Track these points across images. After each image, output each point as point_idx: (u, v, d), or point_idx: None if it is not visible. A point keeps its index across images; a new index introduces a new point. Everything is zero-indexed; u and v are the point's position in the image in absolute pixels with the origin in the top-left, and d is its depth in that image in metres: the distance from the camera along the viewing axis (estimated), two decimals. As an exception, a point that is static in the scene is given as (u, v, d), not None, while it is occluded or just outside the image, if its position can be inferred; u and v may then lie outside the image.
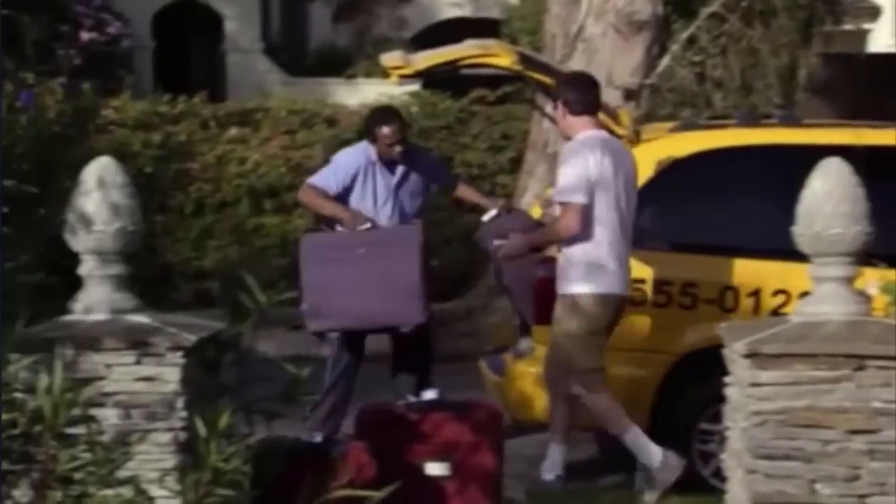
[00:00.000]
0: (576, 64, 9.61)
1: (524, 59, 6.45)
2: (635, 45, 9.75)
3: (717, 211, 6.42)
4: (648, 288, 6.19)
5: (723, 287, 6.20)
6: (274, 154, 12.32)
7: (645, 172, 6.32)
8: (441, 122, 12.87)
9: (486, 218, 6.26)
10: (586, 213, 5.80)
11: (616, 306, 5.91)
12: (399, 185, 6.35)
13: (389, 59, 6.46)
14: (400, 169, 6.36)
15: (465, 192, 6.78)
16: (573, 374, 5.92)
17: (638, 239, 6.26)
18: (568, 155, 5.92)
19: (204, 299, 11.95)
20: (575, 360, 5.90)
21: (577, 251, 5.85)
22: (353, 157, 6.40)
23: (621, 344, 6.17)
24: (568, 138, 6.03)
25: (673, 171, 6.37)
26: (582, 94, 6.00)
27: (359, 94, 14.65)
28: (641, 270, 6.18)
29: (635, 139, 6.51)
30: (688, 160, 6.39)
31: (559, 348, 5.92)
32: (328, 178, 6.35)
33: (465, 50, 6.40)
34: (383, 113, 6.54)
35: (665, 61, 10.12)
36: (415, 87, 15.52)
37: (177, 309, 11.61)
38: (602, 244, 5.84)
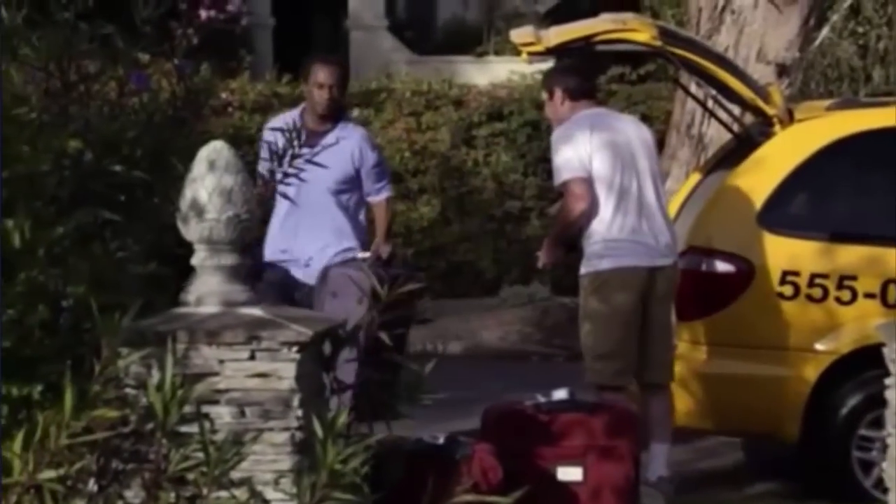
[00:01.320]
0: (723, 39, 9.47)
1: (665, 34, 6.39)
2: (790, 15, 9.58)
3: (879, 197, 6.30)
4: (803, 281, 6.10)
5: (886, 280, 6.07)
6: (398, 137, 12.40)
7: (800, 155, 6.23)
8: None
9: (359, 255, 5.94)
10: (588, 186, 5.79)
11: (644, 280, 5.79)
12: None
13: (519, 35, 6.48)
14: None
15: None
16: (586, 360, 5.88)
17: (792, 226, 6.19)
18: (556, 139, 5.94)
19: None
20: (590, 345, 5.86)
21: (592, 227, 5.86)
22: None
23: (770, 342, 6.10)
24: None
25: (830, 154, 6.27)
26: (583, 80, 6.07)
27: (489, 72, 14.65)
28: (795, 261, 6.10)
29: (787, 119, 6.41)
30: (847, 141, 6.27)
31: (584, 334, 5.90)
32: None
33: (600, 25, 6.37)
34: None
35: (824, 33, 9.92)
36: (549, 64, 15.51)
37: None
38: (616, 217, 5.83)
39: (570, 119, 6.01)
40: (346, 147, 6.11)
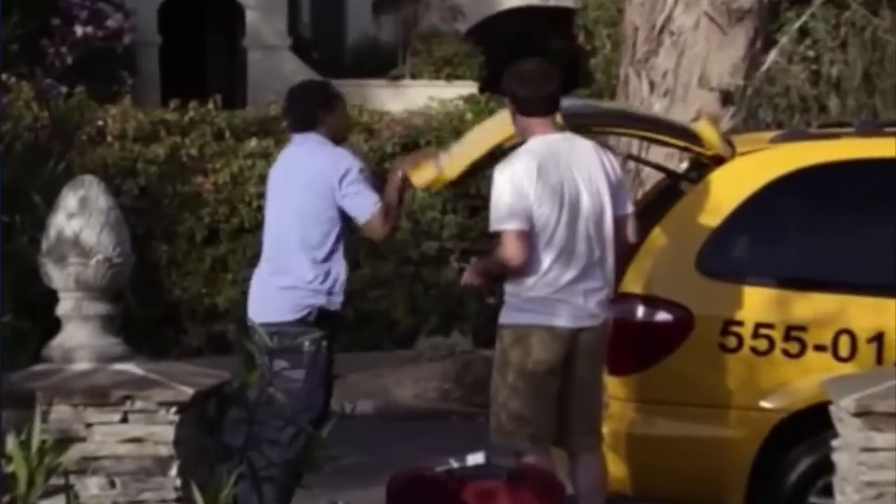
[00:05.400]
0: (662, 62, 9.61)
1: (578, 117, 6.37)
2: (735, 37, 9.75)
3: (829, 238, 6.39)
4: (746, 331, 6.16)
5: (838, 331, 6.15)
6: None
7: (742, 192, 6.31)
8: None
9: None
10: (526, 240, 5.79)
11: (569, 339, 5.89)
12: None
13: (419, 176, 6.42)
14: None
15: None
16: (496, 418, 5.91)
17: (734, 271, 6.26)
18: (498, 174, 5.87)
19: (218, 345, 12.06)
20: (500, 401, 5.89)
21: (519, 280, 5.87)
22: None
23: (711, 399, 6.14)
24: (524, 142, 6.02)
25: (776, 190, 6.35)
26: (534, 89, 5.92)
27: (405, 97, 14.78)
28: (738, 309, 6.16)
29: (729, 153, 6.49)
30: (794, 176, 6.36)
31: (495, 388, 5.94)
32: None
33: (488, 141, 6.34)
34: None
35: (771, 57, 10.09)
36: (471, 89, 15.67)
37: (185, 356, 11.77)
38: (549, 273, 5.85)
39: (519, 149, 5.93)
40: None
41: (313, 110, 6.55)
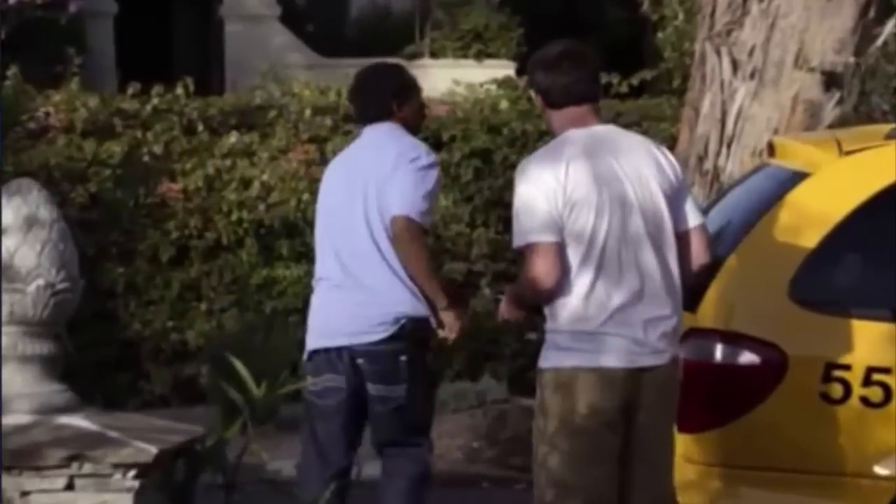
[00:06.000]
0: (747, 37, 9.64)
1: None
2: (842, 2, 9.77)
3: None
4: (856, 377, 6.19)
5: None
6: (293, 173, 12.46)
7: (848, 201, 6.33)
8: (544, 125, 12.96)
9: None
10: (556, 255, 5.82)
11: (626, 385, 5.90)
12: None
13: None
14: None
15: None
16: (539, 489, 5.93)
17: (839, 301, 6.29)
18: (519, 176, 5.96)
19: (188, 391, 12.08)
20: (546, 466, 5.91)
21: (557, 306, 5.89)
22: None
23: (811, 463, 6.16)
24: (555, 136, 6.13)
25: (892, 199, 6.37)
26: (566, 76, 6.01)
27: (423, 82, 14.74)
28: (845, 350, 6.18)
29: (836, 152, 6.52)
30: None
31: (540, 452, 5.97)
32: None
33: None
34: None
35: (888, 28, 10.11)
36: (506, 70, 15.70)
37: (147, 407, 11.77)
38: (591, 296, 5.86)
39: (548, 144, 6.03)
40: None
41: (387, 98, 7.09)
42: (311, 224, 12.24)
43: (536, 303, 6.01)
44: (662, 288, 5.94)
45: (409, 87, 7.24)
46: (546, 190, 5.84)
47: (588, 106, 6.04)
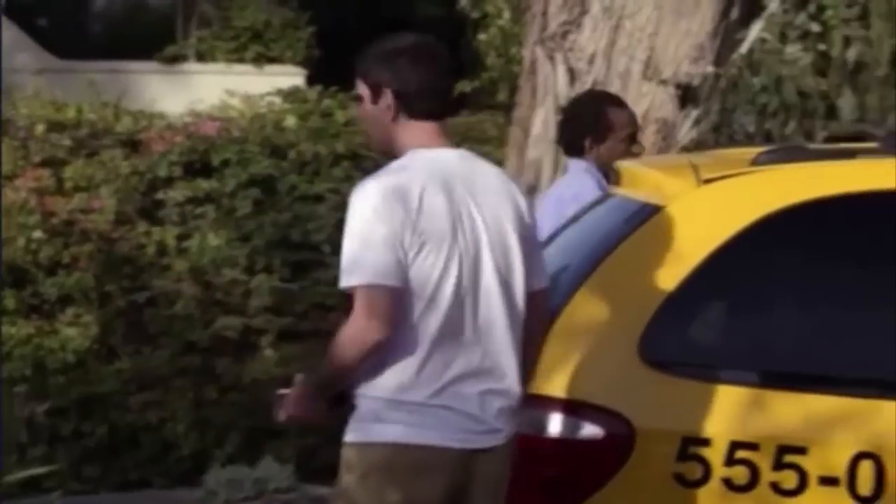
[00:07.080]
0: (587, 40, 9.81)
1: None
2: (699, 5, 9.96)
3: (844, 312, 6.55)
4: (717, 454, 6.31)
5: (855, 454, 6.32)
6: (22, 203, 12.38)
7: (708, 241, 6.48)
8: (341, 147, 13.01)
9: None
10: (397, 303, 5.79)
11: (456, 467, 5.97)
12: None
13: None
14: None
15: None
16: None
17: (696, 362, 6.42)
18: (357, 204, 5.86)
19: None
20: None
21: (380, 369, 5.86)
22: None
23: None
24: (390, 157, 6.04)
25: (759, 239, 6.50)
26: (428, 77, 5.99)
27: (188, 90, 14.85)
28: (703, 421, 6.30)
29: (693, 180, 6.66)
30: (786, 217, 6.54)
31: None
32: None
33: None
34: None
35: (754, 33, 10.32)
36: (293, 79, 15.68)
37: None
38: (429, 359, 5.87)
39: (391, 165, 5.96)
40: None
41: (580, 133, 8.04)
42: (45, 266, 12.27)
43: (352, 375, 5.92)
44: (509, 355, 6.00)
45: (606, 126, 8.28)
46: (394, 224, 5.78)
47: (443, 122, 6.03)
